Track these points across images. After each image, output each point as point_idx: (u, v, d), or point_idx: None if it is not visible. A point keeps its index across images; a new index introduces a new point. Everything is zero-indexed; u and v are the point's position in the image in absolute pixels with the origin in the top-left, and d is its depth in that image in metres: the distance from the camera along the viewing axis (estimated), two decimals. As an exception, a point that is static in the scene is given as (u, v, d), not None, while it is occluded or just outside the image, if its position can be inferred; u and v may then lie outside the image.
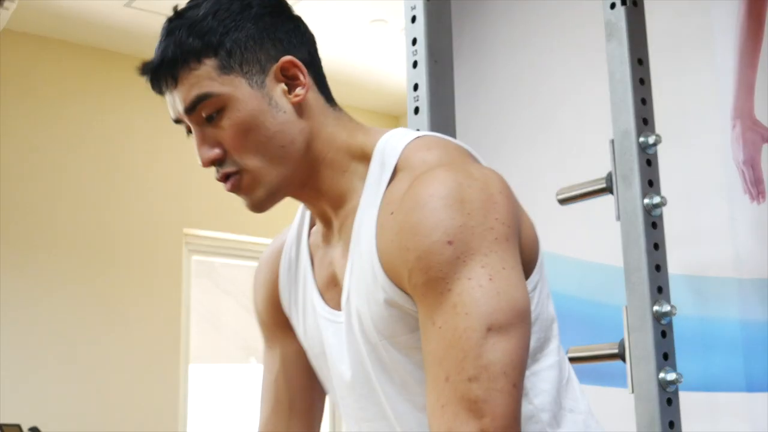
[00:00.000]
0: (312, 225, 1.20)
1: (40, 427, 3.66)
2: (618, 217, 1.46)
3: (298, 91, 1.07)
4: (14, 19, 3.98)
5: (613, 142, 1.48)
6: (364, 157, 1.08)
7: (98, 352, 4.14)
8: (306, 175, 1.08)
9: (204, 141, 1.06)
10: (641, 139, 1.44)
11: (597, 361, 1.52)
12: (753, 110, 2.06)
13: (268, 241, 5.20)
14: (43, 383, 3.97)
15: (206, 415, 4.61)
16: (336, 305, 1.10)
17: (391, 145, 1.06)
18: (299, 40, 1.10)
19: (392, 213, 1.00)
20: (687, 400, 1.43)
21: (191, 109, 1.05)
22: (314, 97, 1.09)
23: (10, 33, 4.12)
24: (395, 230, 0.98)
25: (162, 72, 1.08)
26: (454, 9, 1.66)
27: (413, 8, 1.61)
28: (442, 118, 1.57)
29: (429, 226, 0.94)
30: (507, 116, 2.69)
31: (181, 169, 4.54)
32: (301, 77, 1.07)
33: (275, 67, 1.06)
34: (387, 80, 5.01)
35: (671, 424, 1.35)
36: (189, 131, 1.10)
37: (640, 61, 1.47)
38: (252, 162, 1.06)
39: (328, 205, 1.11)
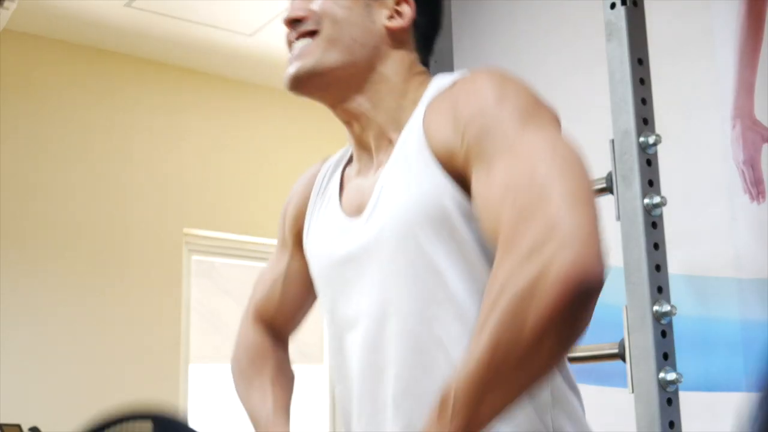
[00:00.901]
0: (348, 163, 1.24)
1: (40, 427, 3.66)
2: (618, 217, 1.46)
3: (394, 21, 1.15)
4: (14, 19, 3.98)
5: (613, 142, 1.48)
6: (419, 96, 1.12)
7: (98, 351, 4.13)
8: (359, 87, 1.13)
9: (297, 2, 1.15)
10: (641, 139, 1.44)
11: (597, 361, 1.53)
12: (753, 110, 2.06)
13: (268, 241, 5.18)
14: (43, 383, 3.97)
15: (206, 415, 4.61)
16: (356, 215, 1.13)
17: (447, 75, 1.11)
18: (431, 1, 1.19)
19: (444, 95, 1.05)
20: (687, 400, 1.43)
21: None
22: (407, 41, 1.16)
23: (10, 33, 4.12)
24: (450, 103, 1.02)
25: None
26: (454, 9, 1.66)
27: (413, 8, 1.61)
28: (442, 118, 1.57)
29: (486, 88, 0.99)
30: (507, 116, 2.69)
31: (181, 169, 4.53)
32: (406, 16, 1.15)
33: None
34: (387, 80, 5.00)
35: (671, 424, 1.35)
36: None
37: (640, 61, 1.47)
38: (329, 27, 1.12)
39: (372, 132, 1.14)
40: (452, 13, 1.63)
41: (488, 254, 1.02)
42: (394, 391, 1.07)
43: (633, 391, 1.39)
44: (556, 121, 1.00)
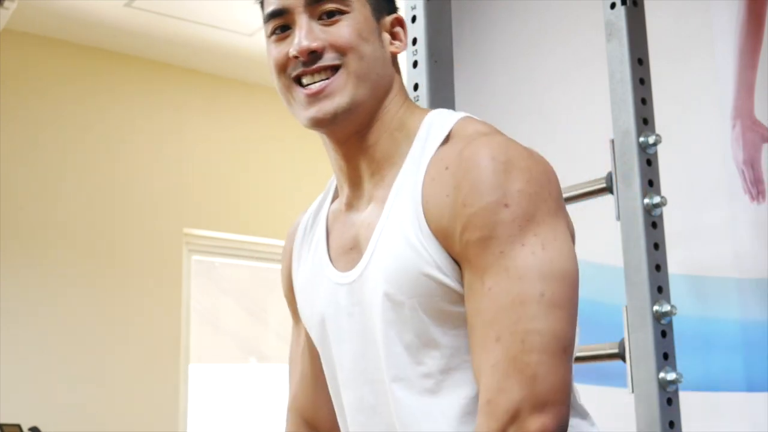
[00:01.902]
0: (334, 199, 1.21)
1: (40, 427, 3.66)
2: (618, 217, 1.46)
3: (398, 45, 1.13)
4: (14, 19, 3.98)
5: (613, 142, 1.48)
6: (412, 129, 1.10)
7: (98, 351, 4.13)
8: (366, 122, 1.10)
9: (308, 33, 1.07)
10: (641, 139, 1.44)
11: (597, 361, 1.52)
12: (753, 110, 2.06)
13: (268, 241, 5.18)
14: (43, 383, 3.97)
15: (206, 415, 4.61)
16: (348, 269, 1.10)
17: (441, 119, 1.09)
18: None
19: (447, 168, 1.01)
20: (687, 400, 1.43)
21: (316, 1, 1.08)
22: (397, 64, 1.15)
23: (10, 33, 4.12)
24: (451, 185, 0.99)
25: None
26: (454, 9, 1.66)
27: (413, 8, 1.61)
28: (442, 118, 1.57)
29: (489, 186, 0.96)
30: (507, 116, 2.69)
31: (181, 169, 4.54)
32: (402, 37, 1.14)
33: (389, 17, 1.13)
34: (387, 80, 5.00)
35: (671, 424, 1.35)
36: (276, 30, 1.11)
37: (640, 61, 1.47)
38: (355, 62, 1.07)
39: (366, 164, 1.11)
40: (452, 13, 1.63)
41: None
42: None
43: (633, 391, 1.39)
44: (558, 210, 0.99)
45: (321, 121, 1.07)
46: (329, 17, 1.07)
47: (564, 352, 0.93)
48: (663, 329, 1.38)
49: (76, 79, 4.37)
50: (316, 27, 1.07)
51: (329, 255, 1.14)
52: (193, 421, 4.49)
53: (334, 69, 1.07)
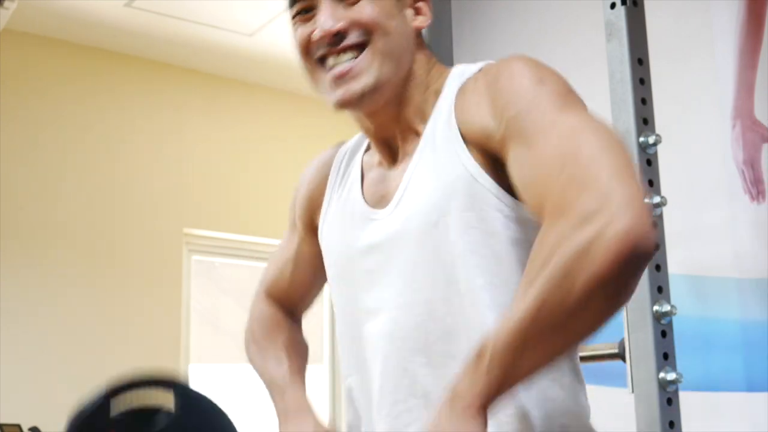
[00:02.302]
0: (367, 149, 1.22)
1: (40, 427, 3.66)
2: (618, 217, 1.45)
3: (421, 19, 1.14)
4: (14, 19, 3.98)
5: (613, 142, 1.48)
6: (441, 85, 1.12)
7: (98, 351, 4.13)
8: (394, 97, 1.12)
9: (332, 14, 1.08)
10: (641, 139, 1.44)
11: (597, 361, 1.53)
12: (753, 110, 2.06)
13: (268, 241, 5.16)
14: (43, 383, 3.97)
15: (206, 415, 4.61)
16: (382, 207, 1.12)
17: (467, 66, 1.12)
18: None
19: (476, 81, 1.05)
20: (687, 400, 1.43)
21: None
22: (422, 37, 1.16)
23: (10, 33, 4.12)
24: (483, 87, 1.02)
25: None
26: (454, 9, 1.66)
27: (413, 8, 1.61)
28: (442, 118, 1.57)
29: (522, 73, 1.00)
30: (507, 116, 2.69)
31: (181, 169, 4.53)
32: (427, 11, 1.15)
33: None
34: (387, 80, 5.00)
35: (671, 424, 1.35)
36: (300, 12, 1.11)
37: (640, 61, 1.47)
38: (382, 40, 1.09)
39: (399, 130, 1.13)
40: (452, 13, 1.63)
41: (517, 246, 1.02)
42: (424, 380, 1.06)
43: (633, 391, 1.39)
44: (587, 109, 1.00)
45: (348, 102, 1.09)
46: None
47: (635, 176, 0.86)
48: (663, 329, 1.39)
49: (76, 79, 4.36)
50: (339, 7, 1.09)
51: (363, 198, 1.16)
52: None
53: (360, 47, 1.08)
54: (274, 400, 1.28)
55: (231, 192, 4.62)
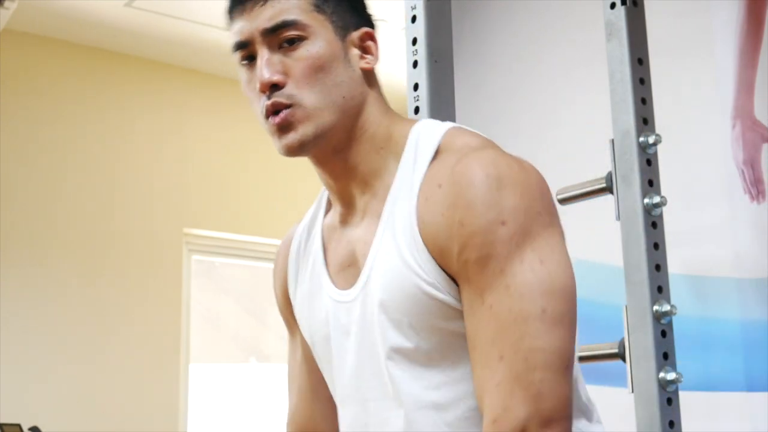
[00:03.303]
0: (327, 210, 1.20)
1: (40, 427, 3.66)
2: (618, 217, 1.46)
3: (369, 59, 1.10)
4: (14, 19, 3.98)
5: (613, 142, 1.48)
6: (399, 142, 1.09)
7: (98, 351, 4.13)
8: (344, 142, 1.09)
9: (269, 64, 1.05)
10: (641, 139, 1.44)
11: (597, 361, 1.52)
12: (753, 110, 2.06)
13: (268, 240, 5.16)
14: (43, 383, 3.97)
15: (206, 415, 4.61)
16: (347, 286, 1.10)
17: (427, 131, 1.08)
18: (373, 24, 1.15)
19: (440, 186, 1.01)
20: (687, 399, 1.43)
21: (273, 30, 1.05)
22: (375, 78, 1.13)
23: (10, 33, 4.12)
24: (446, 204, 0.99)
25: None
26: (454, 9, 1.66)
27: (413, 8, 1.61)
28: (442, 118, 1.56)
29: (484, 204, 0.96)
30: (507, 116, 2.69)
31: (181, 169, 4.53)
32: (374, 51, 1.11)
33: (356, 32, 1.10)
34: (387, 80, 4.99)
35: (671, 424, 1.35)
36: (244, 59, 1.09)
37: (640, 61, 1.47)
38: (310, 99, 1.05)
39: (355, 182, 1.11)
40: (452, 13, 1.63)
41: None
42: None
43: (633, 391, 1.39)
44: (552, 221, 0.99)
45: (290, 151, 1.07)
46: (290, 44, 1.05)
47: (566, 368, 0.94)
48: (663, 329, 1.38)
49: (76, 79, 4.37)
50: (276, 57, 1.05)
51: (328, 271, 1.14)
52: (193, 421, 4.49)
53: (290, 106, 1.05)
54: None
55: (231, 192, 4.62)
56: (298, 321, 1.21)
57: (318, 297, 1.15)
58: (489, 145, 1.05)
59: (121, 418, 4.10)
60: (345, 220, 1.14)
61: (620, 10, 1.48)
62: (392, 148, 1.09)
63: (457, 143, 1.04)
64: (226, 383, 4.80)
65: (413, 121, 1.12)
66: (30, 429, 3.60)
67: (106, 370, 4.13)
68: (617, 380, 1.58)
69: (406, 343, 1.03)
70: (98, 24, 4.16)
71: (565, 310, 0.95)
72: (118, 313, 4.22)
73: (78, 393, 4.04)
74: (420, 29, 1.59)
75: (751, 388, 1.96)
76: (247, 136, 4.71)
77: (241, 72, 1.10)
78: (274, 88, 1.05)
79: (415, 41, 1.60)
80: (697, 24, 2.18)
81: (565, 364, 0.94)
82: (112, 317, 4.20)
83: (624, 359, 1.42)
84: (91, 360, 4.10)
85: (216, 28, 4.18)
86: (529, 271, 0.95)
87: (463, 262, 0.97)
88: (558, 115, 2.53)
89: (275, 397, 4.70)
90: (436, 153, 1.04)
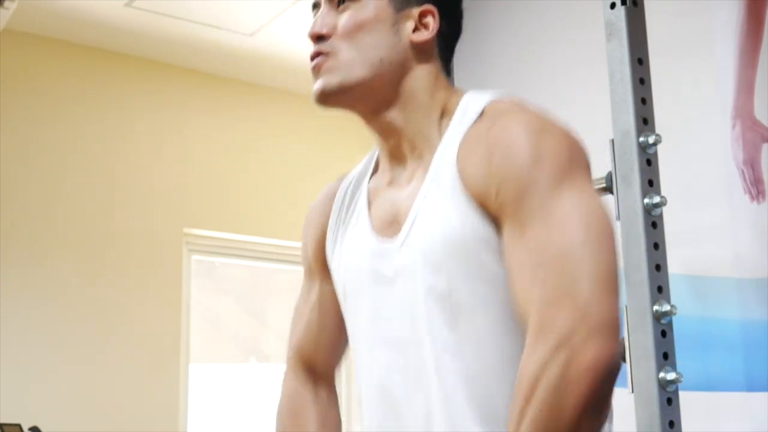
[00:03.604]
0: (374, 172, 1.25)
1: (40, 427, 3.66)
2: (618, 217, 1.46)
3: (421, 34, 1.16)
4: (14, 19, 3.98)
5: (613, 142, 1.48)
6: (451, 110, 1.14)
7: (98, 351, 4.13)
8: (390, 102, 1.15)
9: (323, 18, 1.17)
10: (641, 139, 1.44)
11: (597, 361, 1.52)
12: (753, 110, 2.06)
13: (268, 240, 5.16)
14: (43, 383, 3.97)
15: (206, 415, 4.61)
16: (390, 237, 1.13)
17: (477, 97, 1.14)
18: (453, 5, 1.21)
19: (479, 137, 1.06)
20: (687, 399, 1.43)
21: None
22: (431, 52, 1.18)
23: (10, 33, 4.12)
24: (484, 150, 1.04)
25: None
26: (454, 9, 1.66)
27: (413, 8, 1.61)
28: (442, 118, 1.56)
29: (522, 146, 1.01)
30: (507, 116, 2.68)
31: (181, 169, 4.53)
32: (431, 28, 1.17)
33: (418, 8, 1.17)
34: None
35: (671, 424, 1.35)
36: (313, 8, 1.20)
37: (640, 61, 1.47)
38: (346, 53, 1.14)
39: (405, 143, 1.16)
40: (452, 13, 1.63)
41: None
42: (437, 417, 1.07)
43: (633, 391, 1.39)
44: (588, 175, 1.04)
45: (316, 97, 1.16)
46: (340, 3, 1.16)
47: (614, 289, 0.94)
48: (663, 329, 1.39)
49: (76, 79, 4.36)
50: (332, 12, 1.17)
51: (371, 225, 1.17)
52: (193, 421, 4.49)
53: (328, 54, 1.15)
54: None
55: (231, 192, 4.62)
56: (336, 271, 1.23)
57: (360, 248, 1.17)
58: (534, 110, 1.09)
59: (121, 418, 4.10)
60: (392, 181, 1.18)
61: (620, 10, 1.48)
62: (445, 115, 1.14)
63: (501, 106, 1.10)
64: (226, 383, 4.80)
65: (467, 92, 1.17)
66: (30, 429, 3.60)
67: (106, 370, 4.13)
68: (617, 380, 1.58)
69: (443, 288, 1.05)
70: (98, 24, 4.16)
71: (606, 236, 0.96)
72: (118, 313, 4.22)
73: (78, 393, 4.04)
74: (420, 29, 1.58)
75: (751, 388, 1.96)
76: (247, 136, 4.71)
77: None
78: (320, 39, 1.16)
79: (415, 41, 1.59)
80: (697, 24, 2.18)
81: (612, 285, 0.93)
82: (112, 317, 4.20)
83: (624, 359, 1.42)
84: (91, 360, 4.10)
85: (216, 28, 4.18)
86: (568, 203, 0.97)
87: (501, 200, 1.00)
88: (558, 115, 2.53)
89: (275, 397, 4.70)
90: (481, 115, 1.10)
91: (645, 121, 1.45)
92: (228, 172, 4.64)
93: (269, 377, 4.87)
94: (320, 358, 1.32)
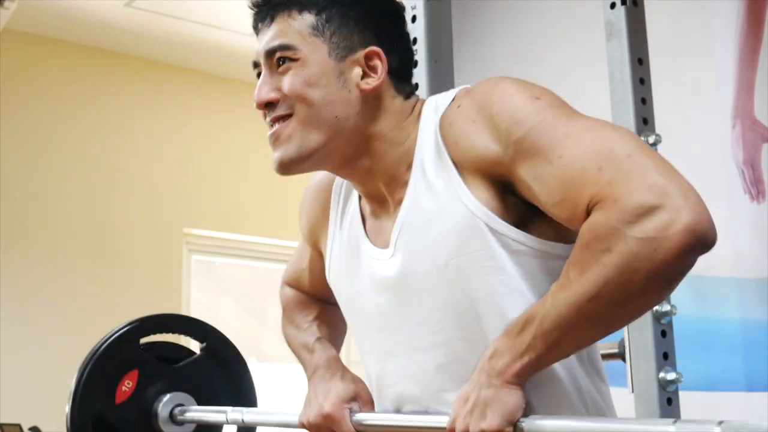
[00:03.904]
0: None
1: (40, 427, 3.66)
2: (618, 217, 1.45)
3: (370, 80, 1.10)
4: (14, 19, 3.98)
5: (613, 142, 1.48)
6: (417, 117, 1.11)
7: (98, 352, 4.13)
8: (357, 153, 1.11)
9: (266, 83, 1.11)
10: (641, 139, 1.44)
11: (597, 361, 1.52)
12: (753, 110, 2.06)
13: (268, 240, 5.15)
14: (43, 383, 3.97)
15: (206, 415, 4.61)
16: (384, 245, 1.11)
17: (442, 94, 1.11)
18: (396, 36, 1.15)
19: (460, 106, 1.04)
20: (687, 399, 1.43)
21: (270, 52, 1.10)
22: (388, 92, 1.12)
23: (10, 33, 4.12)
24: (473, 113, 1.01)
25: (265, 9, 1.13)
26: (454, 9, 1.66)
27: (413, 8, 1.61)
28: (442, 118, 1.57)
29: (513, 93, 0.99)
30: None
31: (181, 169, 4.54)
32: (379, 70, 1.11)
33: (362, 52, 1.10)
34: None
35: (671, 424, 1.35)
36: (258, 77, 1.14)
37: (640, 61, 1.47)
38: (303, 112, 1.08)
39: (382, 180, 1.12)
40: (452, 13, 1.63)
41: (529, 278, 1.02)
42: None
43: (633, 391, 1.39)
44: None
45: (275, 168, 1.11)
46: (280, 66, 1.09)
47: (678, 173, 0.92)
48: (663, 329, 1.38)
49: (76, 79, 4.37)
50: (274, 76, 1.10)
51: (365, 229, 1.15)
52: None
53: (285, 118, 1.09)
54: (304, 362, 1.27)
55: (231, 192, 4.62)
56: (332, 278, 1.22)
57: (355, 258, 1.16)
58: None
59: (121, 418, 4.10)
60: (375, 213, 1.15)
61: (620, 10, 1.48)
62: (415, 136, 1.10)
63: (471, 87, 1.07)
64: (226, 383, 4.80)
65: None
66: (30, 429, 3.60)
67: (106, 370, 4.13)
68: (617, 380, 1.58)
69: (457, 288, 1.04)
70: (98, 24, 4.16)
71: (631, 139, 0.94)
72: (118, 313, 4.21)
73: (78, 393, 4.04)
74: (420, 29, 1.59)
75: (751, 388, 1.96)
76: (247, 136, 4.71)
77: None
78: (269, 105, 1.10)
79: (415, 41, 1.59)
80: (697, 24, 2.18)
81: (669, 164, 0.92)
82: (112, 317, 4.19)
83: (624, 359, 1.42)
84: (91, 360, 4.10)
85: (216, 28, 4.19)
86: (580, 119, 0.96)
87: (514, 144, 0.97)
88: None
89: (275, 397, 4.70)
90: (453, 99, 1.07)
91: (645, 121, 1.45)
92: (228, 172, 4.64)
93: (269, 377, 4.87)
94: (319, 292, 1.35)
